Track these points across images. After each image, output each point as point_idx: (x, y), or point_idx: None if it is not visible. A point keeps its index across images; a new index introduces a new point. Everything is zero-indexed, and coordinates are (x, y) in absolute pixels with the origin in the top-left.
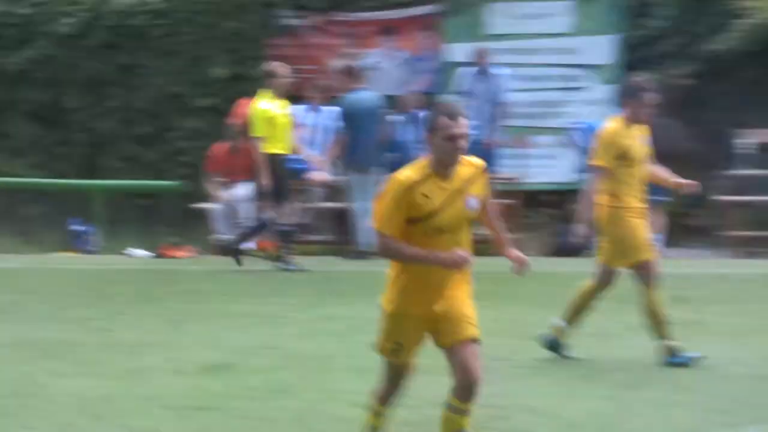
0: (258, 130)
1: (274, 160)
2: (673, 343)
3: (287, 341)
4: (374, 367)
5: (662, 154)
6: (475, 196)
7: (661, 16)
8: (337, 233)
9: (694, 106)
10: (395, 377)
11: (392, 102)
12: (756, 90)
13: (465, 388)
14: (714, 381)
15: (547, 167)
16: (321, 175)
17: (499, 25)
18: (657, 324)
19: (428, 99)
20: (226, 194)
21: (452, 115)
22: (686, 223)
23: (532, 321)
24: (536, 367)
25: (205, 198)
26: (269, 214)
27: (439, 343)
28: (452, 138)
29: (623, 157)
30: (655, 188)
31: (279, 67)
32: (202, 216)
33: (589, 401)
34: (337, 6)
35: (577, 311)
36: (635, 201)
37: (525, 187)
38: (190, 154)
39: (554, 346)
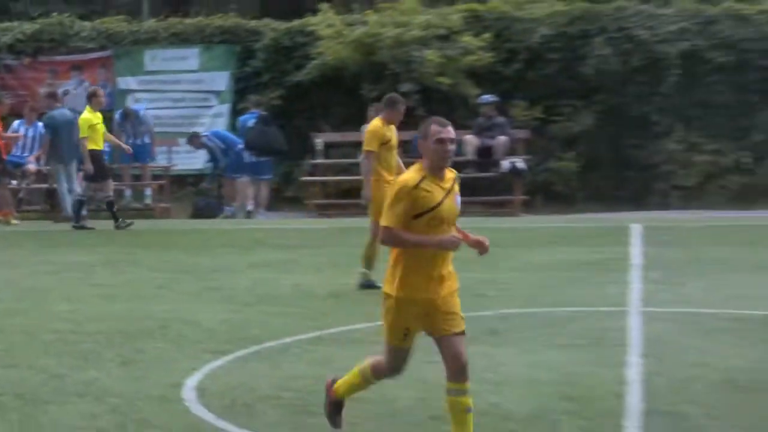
0: (83, 133)
1: (95, 153)
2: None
3: (20, 279)
4: (81, 295)
5: (266, 149)
6: (458, 195)
7: (260, 58)
8: (48, 205)
9: (285, 118)
10: (399, 362)
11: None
12: (324, 106)
13: (459, 372)
14: (307, 299)
15: (189, 159)
16: (33, 166)
17: (152, 64)
18: (368, 259)
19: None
20: None
21: (441, 123)
22: (283, 195)
23: (185, 260)
24: (193, 294)
25: None
26: (88, 191)
27: (432, 331)
28: (442, 141)
29: (385, 144)
30: (262, 167)
31: (98, 90)
32: None
33: (222, 314)
34: (41, 51)
35: (369, 258)
36: (391, 176)
37: (174, 173)
38: None
39: (368, 285)
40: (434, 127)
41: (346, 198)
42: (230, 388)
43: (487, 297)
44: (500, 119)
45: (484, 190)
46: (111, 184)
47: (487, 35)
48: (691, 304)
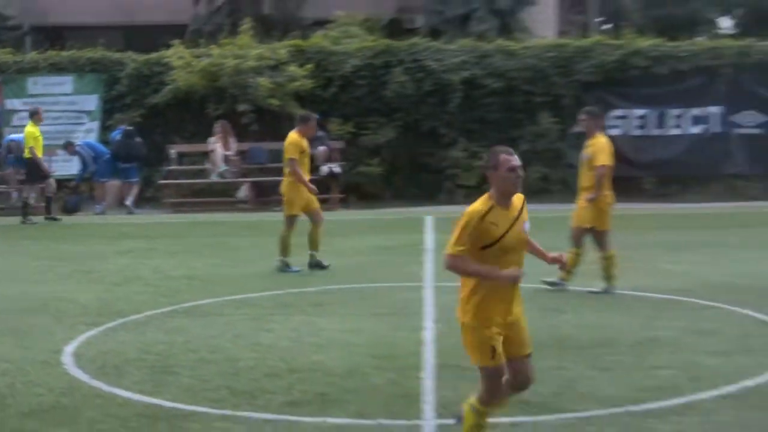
0: (29, 143)
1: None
2: (287, 260)
3: None
4: (24, 277)
5: (129, 157)
6: (526, 221)
7: (124, 84)
8: None
9: (145, 132)
10: (496, 382)
11: None
12: (177, 122)
13: (522, 388)
14: (164, 279)
15: (66, 167)
16: None
17: (34, 88)
18: (284, 247)
19: None
20: None
21: (509, 152)
22: (144, 195)
23: (63, 249)
24: (70, 277)
25: None
26: (50, 188)
27: (504, 351)
28: (513, 169)
29: (302, 152)
30: (129, 172)
31: (39, 109)
32: None
33: (95, 293)
34: None
35: (314, 242)
36: (306, 177)
37: (55, 177)
38: None
39: (316, 265)
40: (504, 156)
41: (197, 197)
42: (102, 354)
43: (312, 275)
44: (320, 133)
45: None
46: (40, 188)
47: (309, 65)
48: None
